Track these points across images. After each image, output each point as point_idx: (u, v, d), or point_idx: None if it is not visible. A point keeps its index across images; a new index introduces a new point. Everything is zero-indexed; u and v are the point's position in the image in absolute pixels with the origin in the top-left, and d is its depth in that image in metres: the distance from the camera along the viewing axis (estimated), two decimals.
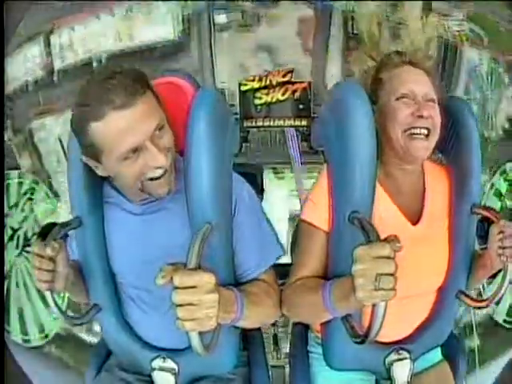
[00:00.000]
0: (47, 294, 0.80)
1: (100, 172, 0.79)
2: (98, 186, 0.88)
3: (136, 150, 0.73)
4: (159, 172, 0.75)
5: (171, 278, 0.64)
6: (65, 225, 0.84)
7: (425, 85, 0.87)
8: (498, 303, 1.79)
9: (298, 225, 0.94)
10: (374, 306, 0.69)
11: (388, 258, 0.66)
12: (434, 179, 0.92)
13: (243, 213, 0.85)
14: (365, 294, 0.67)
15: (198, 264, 0.66)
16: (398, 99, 0.85)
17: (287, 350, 1.12)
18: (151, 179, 0.76)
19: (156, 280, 0.65)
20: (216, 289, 0.65)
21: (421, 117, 0.83)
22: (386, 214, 0.85)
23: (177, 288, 0.63)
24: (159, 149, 0.73)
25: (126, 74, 0.71)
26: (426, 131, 0.84)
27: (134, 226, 0.86)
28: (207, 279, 0.65)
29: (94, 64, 1.87)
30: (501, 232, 0.83)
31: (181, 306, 0.63)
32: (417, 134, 0.84)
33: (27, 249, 1.74)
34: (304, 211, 0.90)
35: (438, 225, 0.90)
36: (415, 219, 0.89)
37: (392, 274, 0.65)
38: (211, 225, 0.75)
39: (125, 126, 0.70)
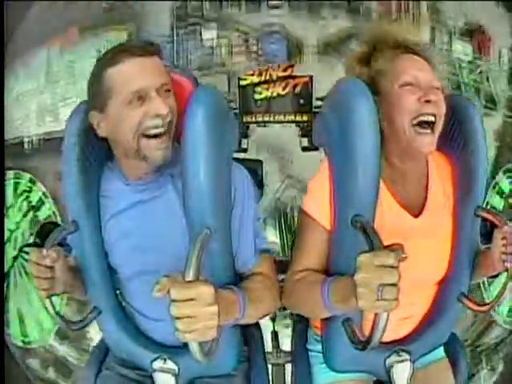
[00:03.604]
0: (47, 301, 0.80)
1: (101, 131, 0.82)
2: (93, 189, 0.88)
3: (141, 98, 0.77)
4: (158, 122, 0.77)
5: (168, 291, 0.63)
6: (62, 230, 0.85)
7: (428, 72, 0.84)
8: (499, 302, 1.79)
9: (299, 215, 0.93)
10: (375, 314, 0.69)
11: (392, 267, 0.65)
12: (438, 168, 0.91)
13: (241, 204, 0.84)
14: (367, 303, 0.66)
15: (196, 275, 0.64)
16: (401, 86, 0.82)
17: (287, 348, 1.12)
18: (148, 136, 0.78)
19: (152, 293, 0.64)
20: (215, 300, 0.64)
21: (428, 102, 0.80)
22: (386, 208, 0.84)
23: (174, 301, 0.62)
24: (163, 100, 0.77)
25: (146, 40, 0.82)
26: (433, 118, 0.81)
27: (131, 215, 0.86)
28: (206, 292, 0.63)
29: None
30: (504, 238, 0.82)
31: (180, 318, 0.62)
32: (424, 122, 0.81)
33: (25, 249, 1.74)
34: (305, 202, 0.89)
35: (440, 216, 0.89)
36: (417, 212, 0.87)
37: (395, 284, 0.64)
38: (210, 230, 0.74)
39: (137, 71, 0.76)
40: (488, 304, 0.89)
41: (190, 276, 0.64)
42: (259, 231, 0.89)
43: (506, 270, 0.84)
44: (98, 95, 0.80)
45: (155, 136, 0.79)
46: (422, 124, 0.82)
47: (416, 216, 0.88)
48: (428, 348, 0.95)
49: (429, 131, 0.82)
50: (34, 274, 0.77)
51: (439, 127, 0.83)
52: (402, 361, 0.90)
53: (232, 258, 0.85)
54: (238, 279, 0.86)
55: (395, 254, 0.66)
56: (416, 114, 0.81)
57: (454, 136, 0.88)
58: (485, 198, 0.91)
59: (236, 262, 0.86)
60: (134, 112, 0.77)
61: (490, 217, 0.87)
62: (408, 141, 0.83)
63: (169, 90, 0.81)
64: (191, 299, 0.62)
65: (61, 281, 0.80)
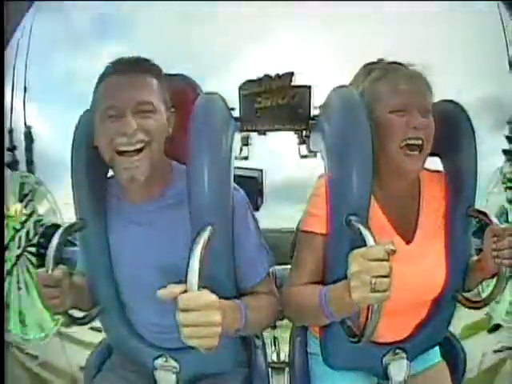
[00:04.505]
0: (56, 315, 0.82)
1: (95, 140, 0.83)
2: (101, 190, 0.89)
3: (115, 115, 0.77)
4: (123, 140, 0.76)
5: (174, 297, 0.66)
6: (69, 227, 0.86)
7: (420, 95, 0.84)
8: (497, 303, 1.80)
9: (297, 235, 0.94)
10: (369, 306, 0.71)
11: (383, 260, 0.68)
12: (430, 190, 0.92)
13: (240, 223, 0.85)
14: (360, 295, 0.69)
15: (198, 284, 0.67)
16: (391, 112, 0.84)
17: (286, 352, 1.13)
18: (119, 152, 0.78)
19: (157, 293, 0.67)
20: (219, 310, 0.67)
21: (415, 128, 0.83)
22: (381, 231, 0.84)
23: (181, 310, 0.66)
24: (135, 122, 0.77)
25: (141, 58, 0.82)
26: (420, 142, 0.83)
27: (135, 234, 0.87)
28: (210, 302, 0.67)
29: None
30: (495, 235, 0.84)
31: (186, 326, 0.66)
32: (411, 145, 0.83)
33: (28, 249, 1.75)
34: (303, 223, 0.90)
35: (432, 240, 0.90)
36: (409, 237, 0.89)
37: (387, 276, 0.67)
38: (213, 227, 0.75)
39: (115, 88, 0.78)
40: (482, 301, 0.90)
41: (193, 288, 0.67)
42: (262, 256, 0.89)
43: (499, 268, 0.85)
44: (92, 106, 0.83)
45: (125, 152, 0.78)
46: (409, 146, 0.83)
47: (408, 242, 0.88)
48: (424, 346, 0.96)
49: (416, 153, 0.84)
50: (43, 295, 0.78)
51: (428, 149, 0.85)
52: (399, 359, 0.92)
53: (233, 269, 0.86)
54: (238, 295, 0.87)
55: (385, 248, 0.68)
56: (404, 138, 0.83)
57: (445, 139, 0.90)
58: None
59: (238, 280, 0.86)
60: (107, 128, 0.78)
61: (481, 216, 0.89)
62: (396, 162, 0.85)
63: (150, 111, 0.79)
64: (197, 309, 0.65)
65: (69, 297, 0.81)
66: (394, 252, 0.68)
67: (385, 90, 0.85)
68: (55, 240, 0.81)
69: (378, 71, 0.89)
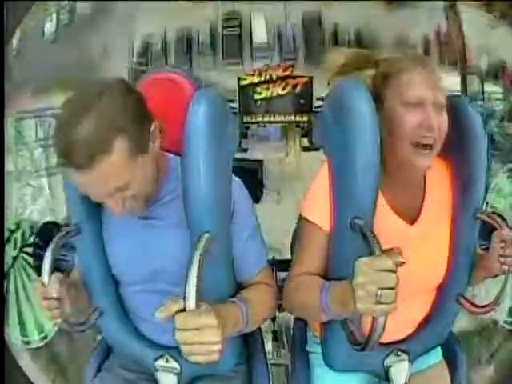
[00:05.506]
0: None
1: None
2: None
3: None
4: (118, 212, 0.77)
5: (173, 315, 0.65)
6: (63, 236, 0.85)
7: (435, 89, 0.82)
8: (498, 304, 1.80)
9: (299, 222, 0.93)
10: (373, 317, 0.69)
11: (390, 271, 0.65)
12: (436, 175, 0.90)
13: (242, 216, 0.85)
14: (365, 306, 0.67)
15: (198, 302, 0.65)
16: (405, 106, 0.81)
17: (287, 350, 1.13)
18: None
19: (156, 313, 0.66)
20: (218, 327, 0.66)
21: (429, 127, 0.80)
22: (381, 215, 0.83)
23: (179, 329, 0.64)
24: (118, 203, 0.76)
25: (92, 122, 0.68)
26: (432, 141, 0.81)
27: (133, 231, 0.86)
28: (209, 321, 0.65)
29: None
30: (502, 240, 0.83)
31: (185, 344, 0.65)
32: (423, 144, 0.81)
33: (25, 249, 1.74)
34: (304, 209, 0.88)
35: (436, 223, 0.89)
36: (412, 219, 0.87)
37: (393, 288, 0.65)
38: (211, 234, 0.73)
39: (84, 184, 0.73)
40: (486, 306, 0.89)
41: (192, 306, 0.65)
42: (261, 246, 0.90)
43: (504, 272, 0.85)
44: None
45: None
46: (421, 144, 0.81)
47: (411, 223, 0.87)
48: (426, 348, 0.95)
49: (427, 151, 0.82)
50: (43, 306, 0.80)
51: (439, 145, 0.83)
52: (400, 361, 0.91)
53: (233, 267, 0.85)
54: (237, 289, 0.87)
55: (393, 258, 0.66)
56: (416, 137, 0.81)
57: (454, 138, 0.86)
58: (485, 198, 0.91)
59: (237, 274, 0.87)
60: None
61: (489, 220, 0.87)
62: (406, 158, 0.83)
63: (125, 187, 0.75)
64: (195, 329, 0.65)
65: (68, 302, 0.82)
66: (402, 264, 0.66)
67: (402, 79, 0.82)
68: (49, 250, 0.80)
69: (397, 58, 0.86)
